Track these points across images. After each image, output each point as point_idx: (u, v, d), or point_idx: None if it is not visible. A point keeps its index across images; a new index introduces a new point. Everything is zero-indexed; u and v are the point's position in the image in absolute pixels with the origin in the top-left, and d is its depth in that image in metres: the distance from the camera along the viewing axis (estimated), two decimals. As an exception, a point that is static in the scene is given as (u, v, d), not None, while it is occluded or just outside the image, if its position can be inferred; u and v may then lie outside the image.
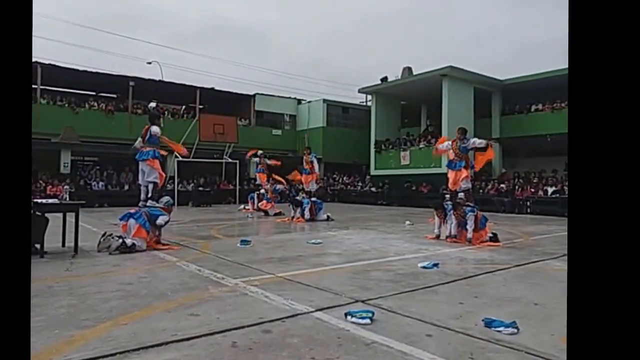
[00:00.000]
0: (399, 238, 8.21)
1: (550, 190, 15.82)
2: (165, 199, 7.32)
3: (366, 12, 61.64)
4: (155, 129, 7.46)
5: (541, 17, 55.62)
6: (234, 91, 25.00)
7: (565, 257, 6.06)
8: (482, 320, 3.10)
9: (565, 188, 15.26)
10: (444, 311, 3.44)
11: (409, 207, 17.34)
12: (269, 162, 14.94)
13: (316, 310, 3.40)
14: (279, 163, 15.02)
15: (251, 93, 25.90)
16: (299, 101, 27.93)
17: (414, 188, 20.54)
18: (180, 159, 18.90)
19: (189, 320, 3.15)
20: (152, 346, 2.63)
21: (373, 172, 23.37)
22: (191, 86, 23.08)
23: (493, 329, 2.99)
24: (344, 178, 24.99)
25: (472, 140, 8.09)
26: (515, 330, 2.95)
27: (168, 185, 18.25)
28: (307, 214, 11.48)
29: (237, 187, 20.55)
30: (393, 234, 9.02)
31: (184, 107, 24.57)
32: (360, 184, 24.03)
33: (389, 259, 5.89)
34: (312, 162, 12.46)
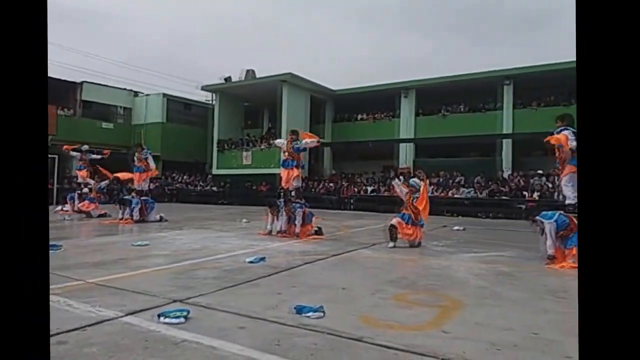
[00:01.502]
0: (232, 236, 8.25)
1: (369, 189, 18.02)
2: None
3: (222, 16, 60.22)
4: None
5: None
6: (56, 77, 21.60)
7: (374, 246, 6.98)
8: (294, 308, 3.32)
9: (382, 188, 17.65)
10: (262, 302, 3.58)
11: (250, 206, 17.53)
12: (94, 156, 13.28)
13: (126, 315, 3.18)
14: (107, 153, 13.43)
15: (78, 80, 22.78)
16: (136, 93, 25.65)
17: (254, 187, 20.99)
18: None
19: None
20: None
21: (215, 171, 22.99)
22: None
23: (303, 314, 3.21)
24: (184, 177, 23.93)
25: (303, 141, 8.65)
26: (322, 314, 3.23)
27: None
28: (136, 215, 10.61)
29: (55, 186, 17.82)
30: (228, 232, 9.02)
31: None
32: (201, 183, 23.33)
33: (218, 257, 5.86)
34: (146, 159, 11.57)
